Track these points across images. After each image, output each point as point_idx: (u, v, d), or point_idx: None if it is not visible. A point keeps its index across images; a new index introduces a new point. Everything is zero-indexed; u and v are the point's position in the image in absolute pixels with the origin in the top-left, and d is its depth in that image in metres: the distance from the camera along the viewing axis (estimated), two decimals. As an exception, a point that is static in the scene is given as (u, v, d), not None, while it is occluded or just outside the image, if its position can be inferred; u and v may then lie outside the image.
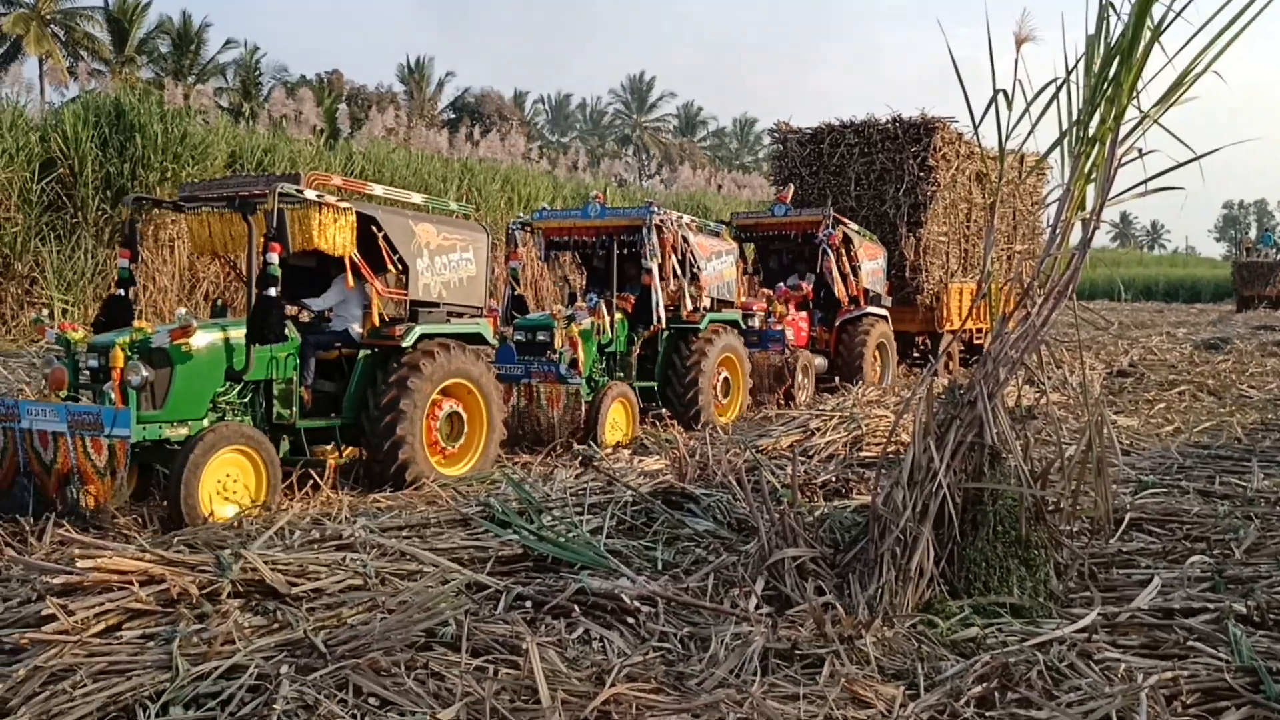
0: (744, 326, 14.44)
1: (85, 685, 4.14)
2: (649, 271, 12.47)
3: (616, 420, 11.65)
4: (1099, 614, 5.24)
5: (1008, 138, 6.11)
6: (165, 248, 20.86)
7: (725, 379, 13.46)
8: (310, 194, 8.51)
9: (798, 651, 4.79)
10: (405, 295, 9.56)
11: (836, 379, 16.36)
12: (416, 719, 3.98)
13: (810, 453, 9.43)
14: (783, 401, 14.60)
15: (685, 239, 13.18)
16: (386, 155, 26.81)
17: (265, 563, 5.18)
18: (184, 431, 8.00)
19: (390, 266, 9.49)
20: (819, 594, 5.46)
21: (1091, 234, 5.96)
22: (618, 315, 12.57)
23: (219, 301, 14.16)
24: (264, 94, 51.75)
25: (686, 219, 13.32)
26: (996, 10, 6.05)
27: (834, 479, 8.22)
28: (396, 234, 9.29)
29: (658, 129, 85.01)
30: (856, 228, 17.32)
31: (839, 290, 16.26)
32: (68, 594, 4.75)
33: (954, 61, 6.34)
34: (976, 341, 19.96)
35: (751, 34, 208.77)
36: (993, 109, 6.02)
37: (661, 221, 12.63)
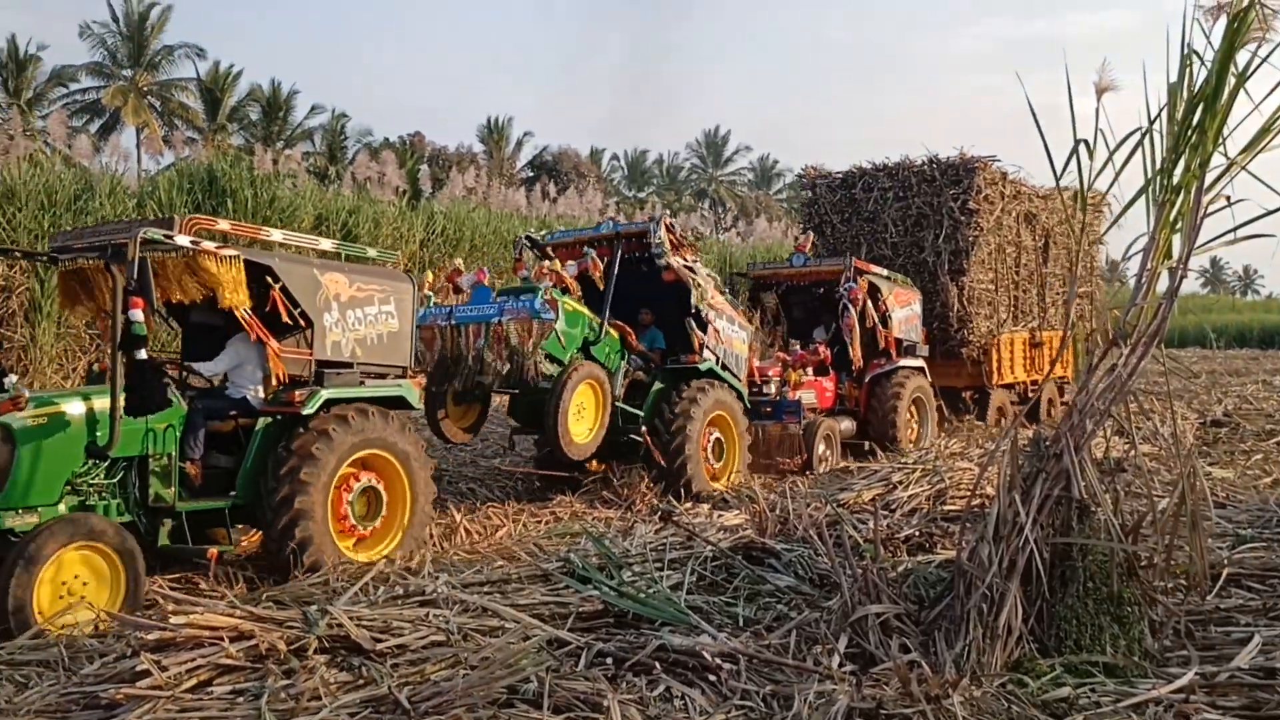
0: (759, 394, 13.72)
1: (177, 740, 4.22)
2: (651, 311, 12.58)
3: (584, 405, 10.77)
4: (1196, 673, 5.07)
5: (1089, 187, 6.05)
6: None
7: (717, 440, 12.33)
8: (182, 240, 7.43)
9: (883, 711, 4.70)
10: (309, 355, 8.43)
11: (867, 443, 14.95)
12: (499, 777, 3.97)
13: (892, 506, 9.30)
14: (800, 472, 13.42)
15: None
16: (467, 214, 27.32)
17: (351, 619, 5.25)
18: (33, 520, 6.98)
19: (294, 322, 8.34)
20: (904, 651, 5.37)
21: (1179, 283, 5.85)
22: (612, 332, 11.74)
23: (94, 367, 10.63)
24: (349, 157, 53.14)
25: (703, 270, 12.66)
26: (1075, 60, 6.01)
27: (917, 533, 8.10)
28: (297, 284, 8.19)
29: (733, 182, 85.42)
30: (886, 273, 16.10)
31: (854, 352, 14.92)
32: (161, 649, 4.87)
33: (1033, 111, 6.30)
34: (1030, 394, 18.98)
35: (826, 84, 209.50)
36: (1074, 159, 5.96)
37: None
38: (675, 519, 8.84)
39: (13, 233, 18.12)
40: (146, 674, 4.64)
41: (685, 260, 12.21)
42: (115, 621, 5.74)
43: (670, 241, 11.99)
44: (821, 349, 14.94)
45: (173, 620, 4.99)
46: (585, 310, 11.32)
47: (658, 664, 5.38)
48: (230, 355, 8.50)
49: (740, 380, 12.94)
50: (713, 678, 5.30)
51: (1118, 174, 5.92)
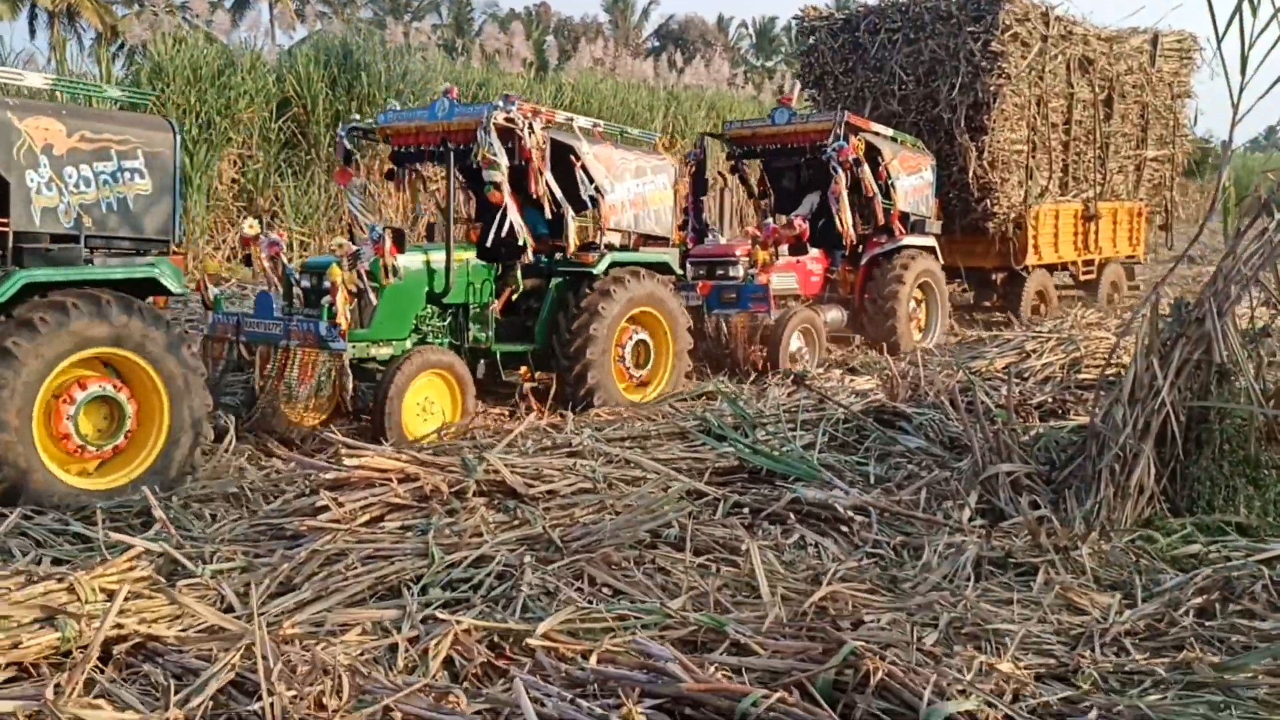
0: (724, 278, 11.25)
1: (356, 568, 4.67)
2: (496, 186, 8.62)
3: (431, 401, 8.14)
4: (1332, 534, 5.11)
5: (1251, 47, 5.82)
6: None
7: (641, 342, 9.61)
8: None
9: (1012, 560, 4.89)
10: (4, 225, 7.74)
11: (857, 337, 12.94)
12: (647, 606, 4.30)
13: (1025, 375, 9.30)
14: (767, 371, 10.64)
15: (564, 147, 9.17)
16: (594, 85, 27.25)
17: (505, 465, 5.63)
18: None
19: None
20: (1034, 508, 5.51)
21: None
22: (463, 255, 8.95)
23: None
24: (476, 29, 53.15)
25: (582, 121, 9.64)
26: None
27: (1050, 400, 8.13)
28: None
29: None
30: (890, 132, 13.21)
31: (843, 225, 12.02)
32: (336, 489, 5.32)
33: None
34: (1085, 276, 16.52)
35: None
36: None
37: (510, 119, 8.71)
38: (807, 383, 9.01)
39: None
40: (325, 509, 5.09)
41: (536, 140, 8.84)
42: (293, 463, 6.26)
43: (516, 123, 8.75)
44: (798, 223, 11.84)
45: (347, 462, 5.44)
46: (416, 260, 8.62)
47: (792, 515, 5.64)
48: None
49: (670, 239, 10.48)
50: (845, 529, 5.55)
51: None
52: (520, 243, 8.81)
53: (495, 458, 5.72)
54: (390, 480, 5.34)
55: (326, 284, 7.74)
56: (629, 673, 3.55)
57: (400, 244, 8.31)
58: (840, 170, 11.89)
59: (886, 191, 12.46)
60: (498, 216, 8.72)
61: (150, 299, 6.73)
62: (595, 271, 9.16)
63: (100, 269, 6.56)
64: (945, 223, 14.11)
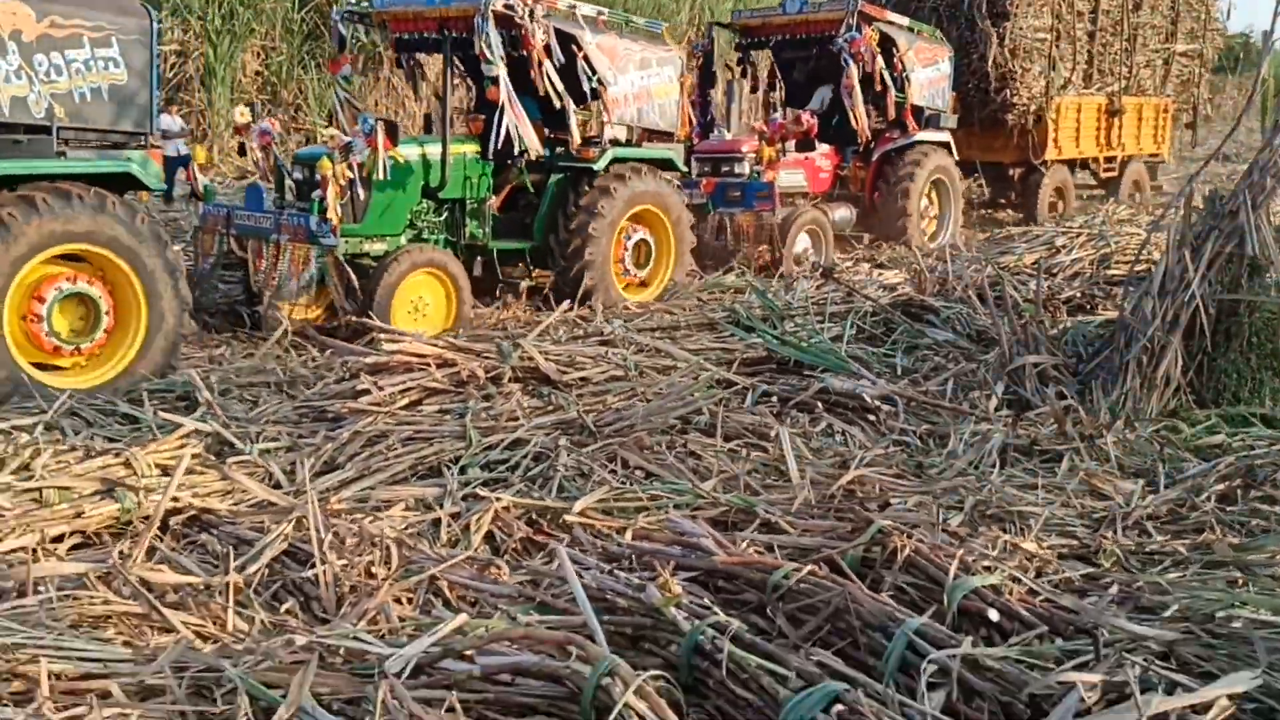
0: (729, 174, 10.95)
1: (396, 448, 4.82)
2: (494, 81, 8.25)
3: (425, 300, 7.89)
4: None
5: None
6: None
7: (642, 241, 9.37)
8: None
9: (1037, 447, 4.99)
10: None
11: (865, 236, 12.38)
12: (679, 487, 4.43)
13: (1054, 270, 9.30)
14: (771, 270, 10.29)
15: (566, 37, 8.73)
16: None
17: (539, 352, 5.74)
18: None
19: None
20: (1060, 398, 5.59)
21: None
22: (461, 148, 8.67)
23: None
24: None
25: (586, 9, 9.03)
26: None
27: (1079, 295, 8.16)
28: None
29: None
30: (905, 21, 12.51)
31: (857, 120, 11.59)
32: (376, 373, 5.45)
33: None
34: (1106, 174, 16.00)
35: None
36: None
37: (509, 6, 8.23)
38: (835, 275, 9.05)
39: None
40: (366, 392, 5.23)
41: (537, 29, 8.42)
42: (331, 349, 6.40)
43: (516, 11, 8.32)
44: (805, 118, 11.28)
45: (386, 347, 5.57)
46: (412, 153, 8.33)
47: (819, 404, 5.75)
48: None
49: (675, 134, 10.07)
50: (871, 418, 5.66)
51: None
52: (517, 149, 8.36)
53: (530, 345, 5.83)
54: (428, 365, 5.47)
55: (317, 177, 7.52)
56: (664, 547, 3.69)
57: (393, 136, 7.92)
58: (852, 62, 11.38)
59: (900, 84, 12.00)
60: (496, 116, 8.27)
61: (133, 193, 6.55)
62: (596, 168, 8.83)
63: (70, 162, 6.29)
64: (962, 115, 13.68)
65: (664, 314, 7.97)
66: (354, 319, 7.23)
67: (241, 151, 8.72)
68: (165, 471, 4.21)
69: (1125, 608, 3.26)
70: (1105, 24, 15.40)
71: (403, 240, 8.17)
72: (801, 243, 10.82)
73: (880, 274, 9.45)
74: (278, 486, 4.44)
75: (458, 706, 2.64)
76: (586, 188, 8.84)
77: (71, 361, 6.23)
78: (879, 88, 11.71)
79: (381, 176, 7.72)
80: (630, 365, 5.97)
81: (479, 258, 8.81)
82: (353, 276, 7.47)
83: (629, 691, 2.57)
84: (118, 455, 4.20)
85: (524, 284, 8.99)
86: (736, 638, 2.88)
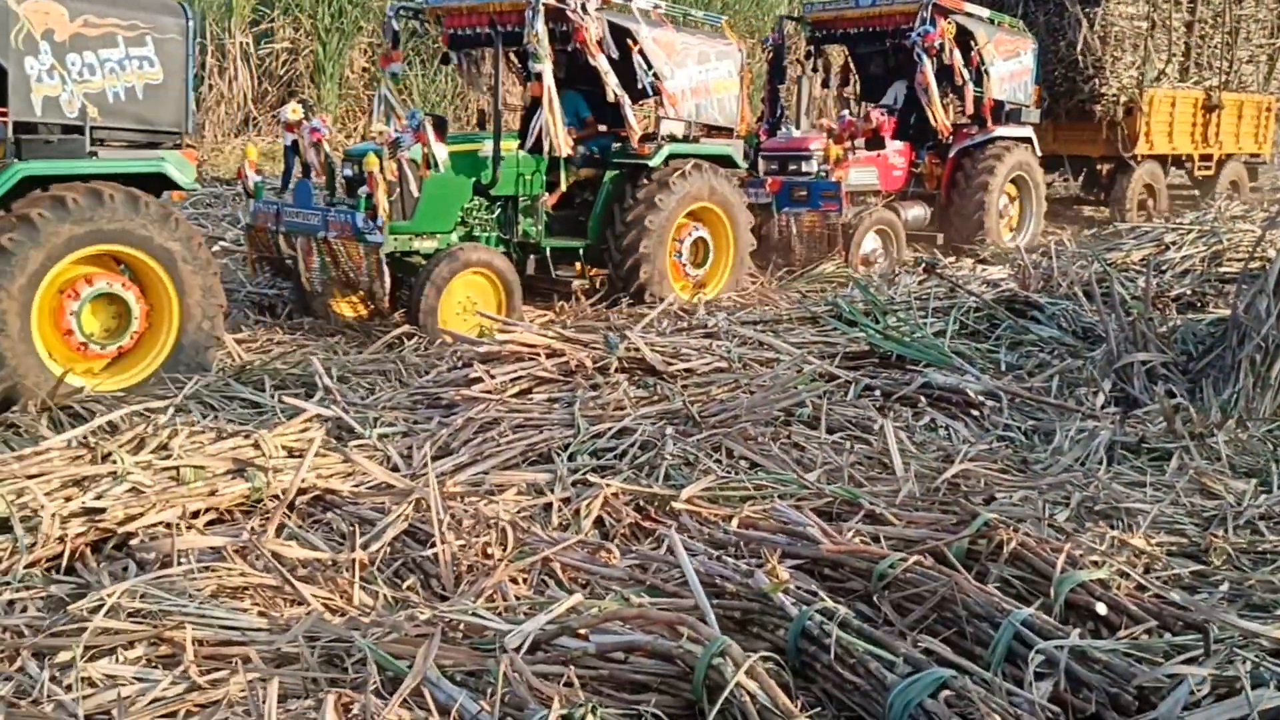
0: (796, 173, 10.56)
1: (508, 435, 4.98)
2: (538, 77, 8.22)
3: (474, 300, 7.77)
4: None
5: None
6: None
7: (700, 240, 9.22)
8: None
9: (1145, 445, 4.95)
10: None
11: (940, 236, 11.75)
12: (784, 477, 4.51)
13: (1163, 267, 9.12)
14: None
15: (621, 30, 8.55)
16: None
17: (645, 344, 5.86)
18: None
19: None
20: (1169, 396, 5.52)
21: None
22: (513, 145, 8.52)
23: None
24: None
25: (641, 2, 8.89)
26: None
27: (1189, 292, 8.01)
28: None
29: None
30: (986, 12, 12.03)
31: (935, 118, 11.20)
32: (487, 362, 5.62)
33: None
34: (1201, 173, 15.24)
35: None
36: None
37: (561, 0, 8.16)
38: (939, 270, 9.00)
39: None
40: (479, 380, 5.40)
41: (590, 23, 8.30)
42: (443, 338, 6.61)
43: (568, 4, 8.20)
44: (875, 115, 11.09)
45: (498, 337, 5.74)
46: (463, 150, 8.39)
47: (922, 399, 5.76)
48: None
49: (735, 129, 9.73)
50: (975, 414, 5.65)
51: None
52: (547, 145, 8.18)
53: (636, 336, 5.95)
54: (538, 355, 5.62)
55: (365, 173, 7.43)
56: (770, 535, 3.78)
57: (441, 131, 7.87)
58: (926, 57, 10.97)
59: (979, 78, 11.52)
60: (536, 112, 8.24)
61: (167, 194, 6.43)
62: (652, 163, 8.65)
63: (102, 162, 6.22)
64: (1049, 105, 13.18)
65: (767, 307, 8.02)
66: (399, 319, 7.18)
67: (294, 150, 8.35)
68: (291, 453, 4.42)
69: (1236, 605, 3.25)
70: (1205, 15, 14.72)
71: (454, 238, 8.08)
72: (870, 243, 10.54)
73: (984, 269, 9.37)
74: (395, 470, 4.63)
75: (575, 681, 2.76)
76: (644, 182, 8.68)
77: (101, 362, 6.19)
78: (958, 81, 11.34)
79: (430, 172, 7.70)
80: (734, 357, 6.05)
81: (533, 256, 8.67)
82: (388, 276, 7.37)
83: (740, 671, 2.67)
84: (247, 437, 4.41)
85: (576, 283, 8.78)
86: (844, 623, 2.96)
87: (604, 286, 8.96)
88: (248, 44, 19.46)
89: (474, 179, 8.20)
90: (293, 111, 8.37)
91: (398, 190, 7.58)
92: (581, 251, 8.91)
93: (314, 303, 8.04)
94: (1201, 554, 3.77)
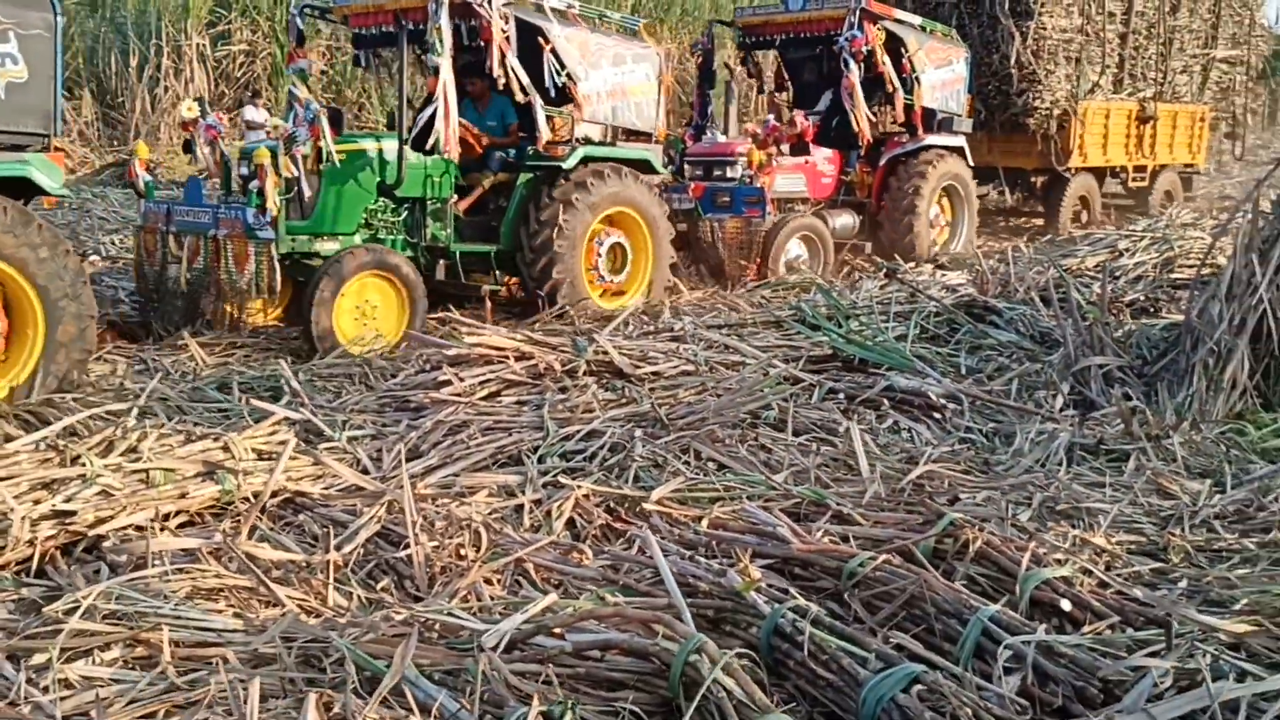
0: (720, 179, 10.35)
1: (477, 437, 5.00)
2: (435, 72, 7.90)
3: (373, 305, 7.51)
4: None
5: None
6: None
7: (617, 245, 8.88)
8: None
9: (1103, 447, 5.06)
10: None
11: (868, 246, 11.63)
12: (752, 479, 4.57)
13: (1117, 273, 9.30)
14: (757, 281, 9.96)
15: (532, 29, 8.28)
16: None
17: (613, 347, 5.90)
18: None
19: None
20: (1126, 399, 5.65)
21: None
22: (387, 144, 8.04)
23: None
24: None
25: (554, 0, 8.56)
26: None
27: (1142, 298, 8.17)
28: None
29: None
30: (916, 20, 11.92)
31: (858, 123, 10.94)
32: (455, 365, 5.64)
33: None
34: (1135, 184, 15.33)
35: None
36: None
37: None
38: (899, 276, 9.12)
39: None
40: (448, 383, 5.42)
41: (497, 19, 7.98)
42: (413, 342, 6.60)
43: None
44: (800, 120, 10.83)
45: (467, 339, 5.76)
46: (367, 148, 7.96)
47: (885, 402, 5.85)
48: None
49: (653, 134, 9.38)
50: (937, 416, 5.75)
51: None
52: (429, 143, 7.83)
53: (604, 339, 6.00)
54: (507, 358, 5.65)
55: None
56: (741, 535, 3.83)
57: (337, 125, 7.48)
58: (852, 63, 10.76)
59: (909, 86, 11.30)
60: (430, 109, 7.86)
61: (40, 199, 6.04)
62: (565, 166, 8.36)
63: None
64: (984, 118, 13.20)
65: (731, 310, 8.10)
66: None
67: (187, 149, 8.08)
68: (261, 455, 4.42)
69: (1194, 601, 3.35)
70: (1139, 26, 14.76)
71: (356, 240, 7.76)
72: (795, 250, 10.38)
73: (943, 275, 9.52)
74: (366, 472, 4.63)
75: (554, 679, 2.80)
76: (560, 183, 8.40)
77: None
78: (890, 89, 11.21)
79: (325, 166, 7.39)
80: (700, 361, 6.11)
81: (442, 261, 8.28)
82: (279, 275, 7.12)
83: (717, 668, 2.72)
84: (216, 440, 4.41)
85: (486, 287, 8.41)
86: (816, 620, 3.01)
87: (519, 291, 8.72)
88: (204, 45, 19.32)
89: (378, 179, 7.87)
90: (188, 109, 8.03)
91: (295, 188, 7.29)
92: (493, 257, 8.59)
93: (215, 305, 7.61)
94: (1160, 552, 3.87)
